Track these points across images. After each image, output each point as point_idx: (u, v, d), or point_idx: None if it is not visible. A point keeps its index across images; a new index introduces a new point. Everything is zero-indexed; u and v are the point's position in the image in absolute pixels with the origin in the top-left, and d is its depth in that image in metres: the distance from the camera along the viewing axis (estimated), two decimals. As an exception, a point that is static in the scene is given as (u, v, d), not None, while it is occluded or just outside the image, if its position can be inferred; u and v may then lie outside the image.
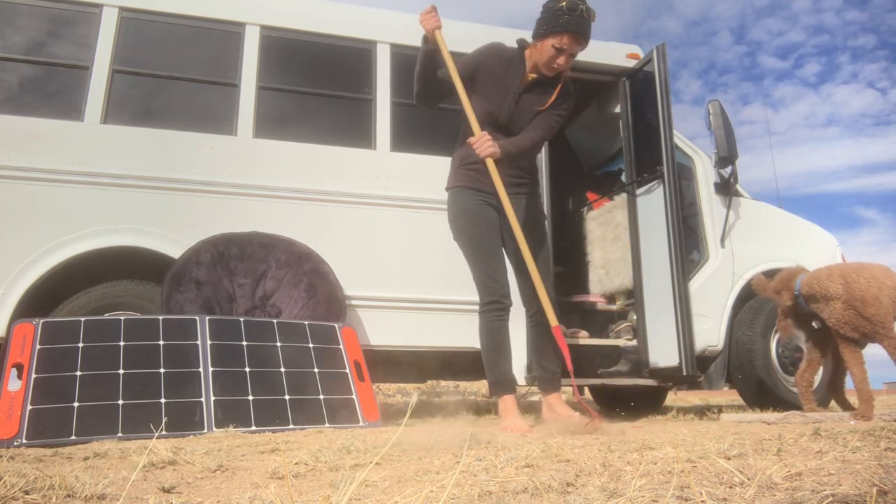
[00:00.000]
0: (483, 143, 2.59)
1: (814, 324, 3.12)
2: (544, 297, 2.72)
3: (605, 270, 4.50)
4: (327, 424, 2.73)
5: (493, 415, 3.84)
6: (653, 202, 3.94)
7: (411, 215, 3.60)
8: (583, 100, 4.97)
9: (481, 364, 3.84)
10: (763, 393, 3.92)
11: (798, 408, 3.72)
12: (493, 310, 2.66)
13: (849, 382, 3.15)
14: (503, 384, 2.67)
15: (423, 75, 2.64)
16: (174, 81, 3.50)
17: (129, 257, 3.24)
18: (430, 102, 2.74)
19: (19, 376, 2.48)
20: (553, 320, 2.70)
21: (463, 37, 3.57)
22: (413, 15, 4.06)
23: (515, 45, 2.76)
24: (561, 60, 2.59)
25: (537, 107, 2.70)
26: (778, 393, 3.91)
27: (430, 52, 2.60)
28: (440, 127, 3.94)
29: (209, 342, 2.81)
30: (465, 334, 3.58)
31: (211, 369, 2.72)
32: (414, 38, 3.85)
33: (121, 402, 2.50)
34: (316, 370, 2.92)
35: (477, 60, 2.70)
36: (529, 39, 2.73)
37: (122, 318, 2.83)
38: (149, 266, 3.25)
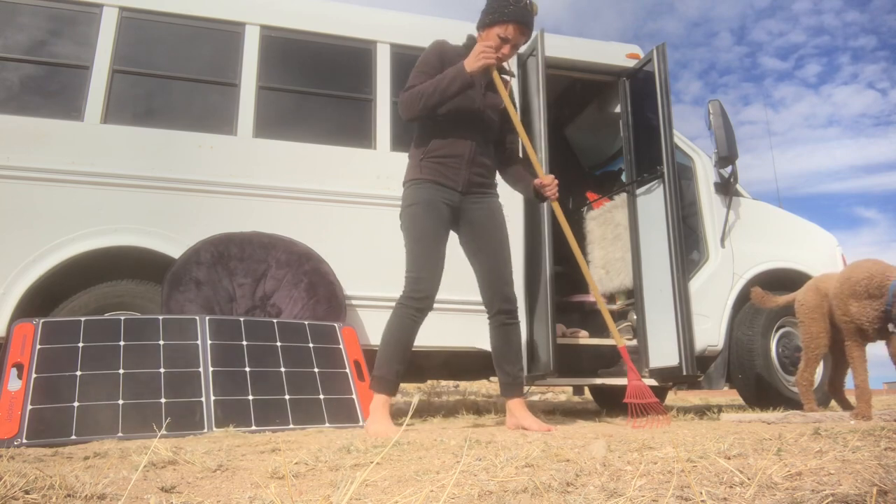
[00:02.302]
0: (554, 187, 2.79)
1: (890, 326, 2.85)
2: (608, 318, 2.82)
3: (605, 270, 4.50)
4: (327, 424, 2.73)
5: (494, 414, 3.84)
6: (653, 202, 3.94)
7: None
8: (583, 100, 4.98)
9: (481, 364, 3.87)
10: (763, 393, 3.92)
11: (798, 407, 3.73)
12: (414, 308, 2.54)
13: (848, 382, 3.15)
14: (386, 383, 2.53)
15: (440, 103, 2.54)
16: (174, 81, 3.50)
17: (129, 257, 3.24)
18: (413, 120, 2.65)
19: (19, 376, 2.48)
20: (619, 340, 2.78)
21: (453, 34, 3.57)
22: (413, 15, 4.07)
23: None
24: (505, 50, 2.60)
25: (495, 99, 2.70)
26: (778, 393, 3.92)
27: (468, 85, 2.54)
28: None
29: (209, 342, 2.81)
30: (466, 334, 3.58)
31: (211, 369, 2.72)
32: (413, 39, 3.87)
33: (121, 402, 2.50)
34: (316, 370, 2.92)
35: (442, 61, 2.63)
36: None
37: (122, 318, 2.83)
38: (149, 266, 3.25)
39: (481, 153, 2.68)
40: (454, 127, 2.63)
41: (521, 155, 3.00)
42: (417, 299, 2.55)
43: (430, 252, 2.58)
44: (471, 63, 2.51)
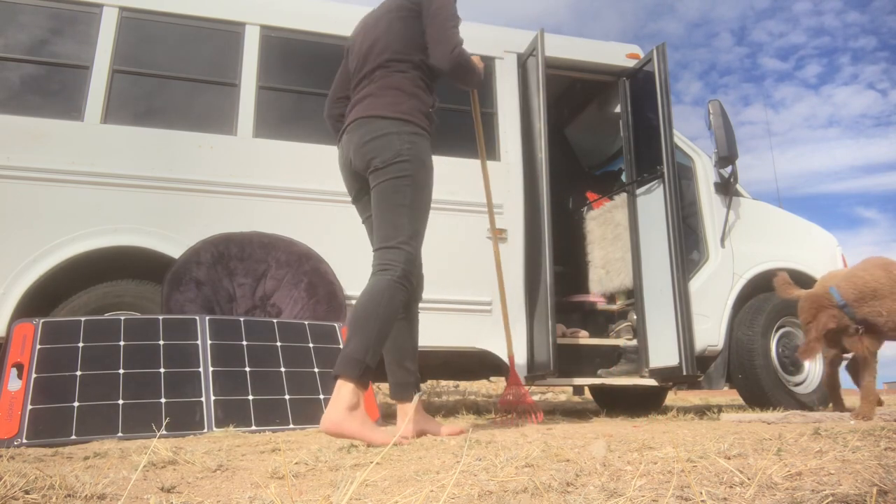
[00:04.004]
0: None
1: (854, 328, 2.82)
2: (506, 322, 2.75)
3: (605, 270, 4.50)
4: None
5: (494, 414, 3.84)
6: (653, 202, 3.94)
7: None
8: (583, 100, 4.99)
9: (481, 364, 3.87)
10: (763, 393, 3.92)
11: (798, 407, 3.73)
12: (411, 288, 2.22)
13: (847, 382, 3.14)
14: (368, 372, 2.06)
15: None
16: (174, 81, 3.50)
17: (129, 257, 3.24)
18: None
19: (19, 376, 2.48)
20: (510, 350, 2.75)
21: None
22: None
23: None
24: None
25: None
26: (778, 393, 3.91)
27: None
28: (440, 127, 3.94)
29: (209, 342, 2.81)
30: (466, 334, 3.59)
31: (211, 369, 2.72)
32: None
33: (121, 401, 2.50)
34: (316, 370, 2.92)
35: None
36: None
37: (122, 318, 2.83)
38: (149, 266, 3.25)
39: None
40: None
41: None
42: (415, 277, 2.25)
43: (423, 233, 2.29)
44: (481, 67, 2.44)
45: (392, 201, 2.20)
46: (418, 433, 2.28)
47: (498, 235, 3.75)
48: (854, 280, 2.71)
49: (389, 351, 2.34)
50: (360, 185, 2.38)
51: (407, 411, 2.30)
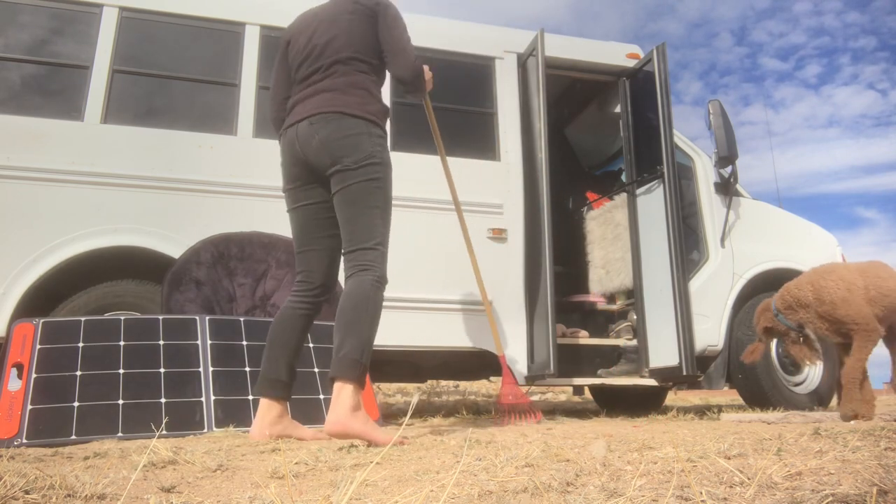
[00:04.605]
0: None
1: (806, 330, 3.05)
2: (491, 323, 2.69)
3: (605, 270, 4.51)
4: (327, 424, 2.73)
5: (494, 415, 3.84)
6: (653, 202, 3.94)
7: (410, 215, 3.60)
8: (583, 100, 4.99)
9: (482, 364, 3.87)
10: (763, 393, 3.92)
11: (798, 407, 3.73)
12: (385, 286, 2.22)
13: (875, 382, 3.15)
14: (365, 371, 2.09)
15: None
16: (174, 81, 3.50)
17: (129, 257, 3.24)
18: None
19: (19, 376, 2.48)
20: (499, 349, 2.71)
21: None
22: (412, 14, 4.07)
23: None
24: None
25: None
26: (778, 393, 3.92)
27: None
28: (441, 127, 3.94)
29: (209, 342, 2.81)
30: (466, 334, 3.59)
31: (211, 369, 2.72)
32: (412, 39, 3.86)
33: (121, 401, 2.50)
34: (316, 370, 2.92)
35: None
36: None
37: (122, 318, 2.83)
38: (149, 266, 3.25)
39: None
40: None
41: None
42: (385, 287, 2.22)
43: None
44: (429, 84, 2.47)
45: (366, 203, 2.21)
46: (278, 436, 2.23)
47: (497, 235, 3.75)
48: (782, 291, 2.95)
49: (276, 345, 2.31)
50: (307, 176, 2.33)
51: (268, 408, 2.25)
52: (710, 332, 3.91)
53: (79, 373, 2.54)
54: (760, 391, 3.93)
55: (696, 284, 3.91)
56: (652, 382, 3.86)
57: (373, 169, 2.22)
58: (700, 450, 1.52)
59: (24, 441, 2.28)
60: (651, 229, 3.94)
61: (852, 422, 2.57)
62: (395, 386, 8.39)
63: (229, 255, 3.24)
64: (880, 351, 2.90)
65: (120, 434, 2.38)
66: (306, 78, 2.36)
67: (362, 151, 2.21)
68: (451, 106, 3.91)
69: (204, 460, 1.57)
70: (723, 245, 4.08)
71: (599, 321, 4.52)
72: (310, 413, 2.75)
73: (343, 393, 2.00)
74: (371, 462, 1.54)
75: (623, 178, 4.60)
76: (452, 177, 3.21)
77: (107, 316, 2.96)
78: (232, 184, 3.39)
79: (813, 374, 4.12)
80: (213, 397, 2.63)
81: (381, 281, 2.19)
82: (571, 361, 3.91)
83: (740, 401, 4.60)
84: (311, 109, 2.28)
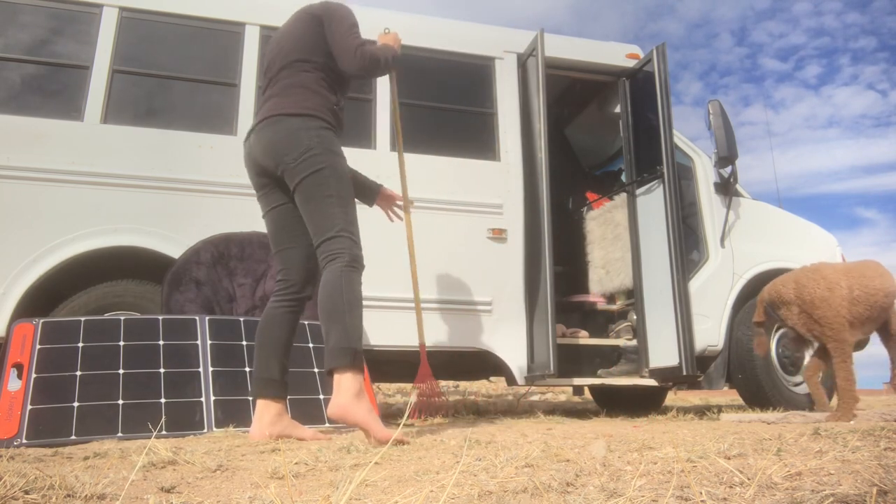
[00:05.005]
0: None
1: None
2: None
3: (605, 270, 4.51)
4: (327, 424, 2.73)
5: (494, 414, 3.84)
6: (653, 202, 3.94)
7: (410, 215, 3.60)
8: (583, 100, 4.99)
9: (483, 364, 3.87)
10: (763, 393, 3.92)
11: (798, 407, 3.72)
12: (361, 268, 2.22)
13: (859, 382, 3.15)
14: (359, 355, 2.10)
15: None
16: (174, 81, 3.50)
17: (129, 257, 3.24)
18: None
19: (19, 376, 2.48)
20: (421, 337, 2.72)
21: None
22: (412, 15, 4.07)
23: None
24: None
25: None
26: (778, 393, 3.92)
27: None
28: (440, 127, 3.94)
29: (209, 342, 2.81)
30: (466, 334, 3.59)
31: (211, 369, 2.72)
32: (412, 39, 3.87)
33: (121, 402, 2.50)
34: (316, 370, 2.92)
35: None
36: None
37: (122, 318, 2.83)
38: (149, 266, 3.25)
39: None
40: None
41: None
42: (362, 267, 2.22)
43: (355, 213, 2.29)
44: (398, 44, 2.54)
45: (318, 194, 2.23)
46: (278, 436, 2.25)
47: (497, 235, 3.75)
48: (769, 286, 3.02)
49: (265, 345, 2.33)
50: (265, 180, 2.41)
51: (265, 408, 2.27)
52: (710, 333, 3.91)
53: (79, 373, 2.54)
54: (760, 391, 3.93)
55: (695, 284, 3.91)
56: (652, 382, 3.86)
57: (315, 160, 2.23)
58: (700, 450, 1.52)
59: (24, 441, 2.28)
60: (651, 229, 3.94)
61: (852, 422, 2.57)
62: (395, 386, 8.39)
63: (229, 255, 3.24)
64: (880, 351, 2.90)
65: (120, 434, 2.38)
66: (264, 91, 2.47)
67: (300, 146, 2.24)
68: (451, 106, 3.91)
69: (204, 460, 1.57)
70: (723, 245, 4.08)
71: (599, 321, 4.52)
72: (310, 413, 2.75)
73: (343, 381, 2.03)
74: (371, 462, 1.54)
75: (623, 178, 4.60)
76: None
77: (107, 316, 2.96)
78: (232, 184, 3.39)
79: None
80: (212, 397, 2.63)
81: (353, 263, 2.17)
82: (571, 361, 3.91)
83: (740, 401, 4.60)
84: (259, 118, 2.38)
